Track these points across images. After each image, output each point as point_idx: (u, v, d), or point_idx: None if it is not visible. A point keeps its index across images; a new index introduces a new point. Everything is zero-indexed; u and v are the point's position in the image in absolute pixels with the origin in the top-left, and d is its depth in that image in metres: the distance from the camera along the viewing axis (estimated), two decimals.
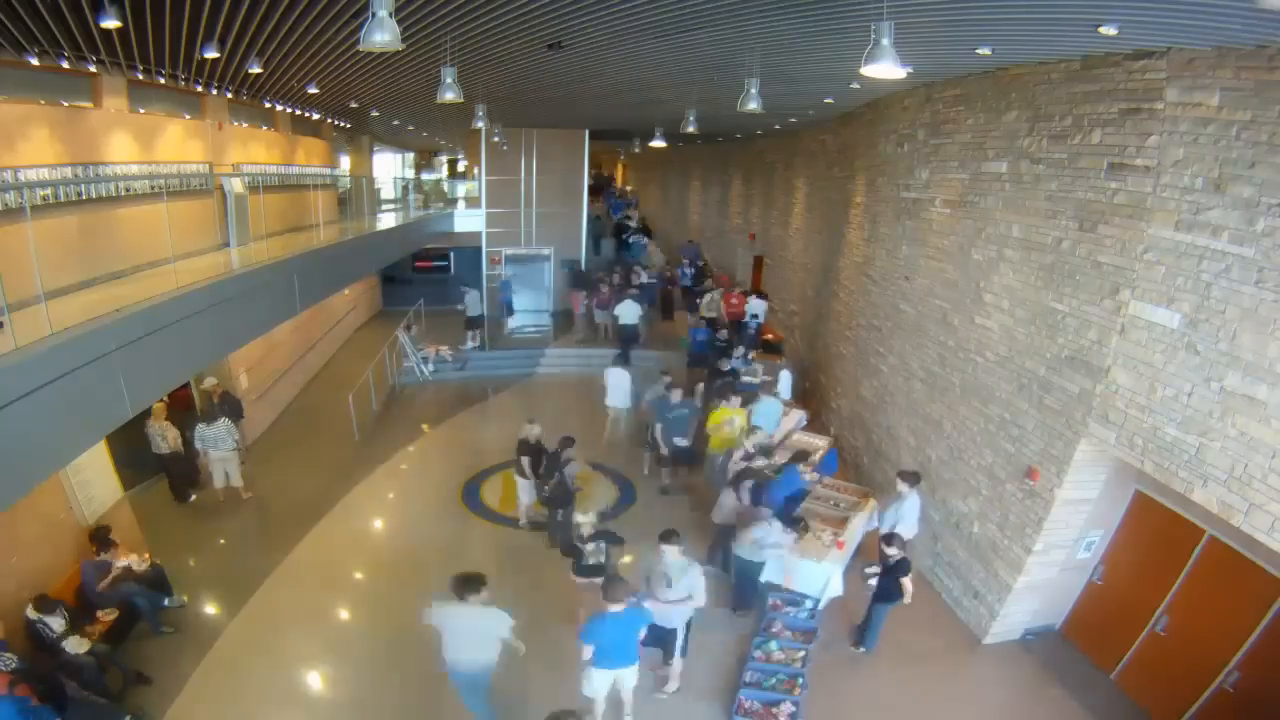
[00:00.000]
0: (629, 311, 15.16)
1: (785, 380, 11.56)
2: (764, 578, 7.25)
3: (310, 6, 5.71)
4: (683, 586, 5.95)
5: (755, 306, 15.96)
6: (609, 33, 6.32)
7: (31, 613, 5.87)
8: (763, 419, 9.77)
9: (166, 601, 7.18)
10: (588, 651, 5.33)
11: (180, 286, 6.30)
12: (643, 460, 10.59)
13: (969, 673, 6.72)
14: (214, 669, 6.49)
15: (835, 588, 7.29)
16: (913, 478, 7.58)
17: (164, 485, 9.60)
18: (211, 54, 7.03)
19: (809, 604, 7.22)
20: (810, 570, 7.27)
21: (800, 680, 6.25)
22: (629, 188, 38.65)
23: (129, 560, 7.03)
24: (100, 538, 6.89)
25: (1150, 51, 5.34)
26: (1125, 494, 6.44)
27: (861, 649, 6.92)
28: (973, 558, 7.38)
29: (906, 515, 7.51)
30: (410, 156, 30.66)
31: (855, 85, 8.86)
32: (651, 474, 10.39)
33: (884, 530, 7.67)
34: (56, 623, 5.97)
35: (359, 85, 10.29)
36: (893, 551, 6.57)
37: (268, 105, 12.13)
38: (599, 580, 6.09)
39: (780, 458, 8.77)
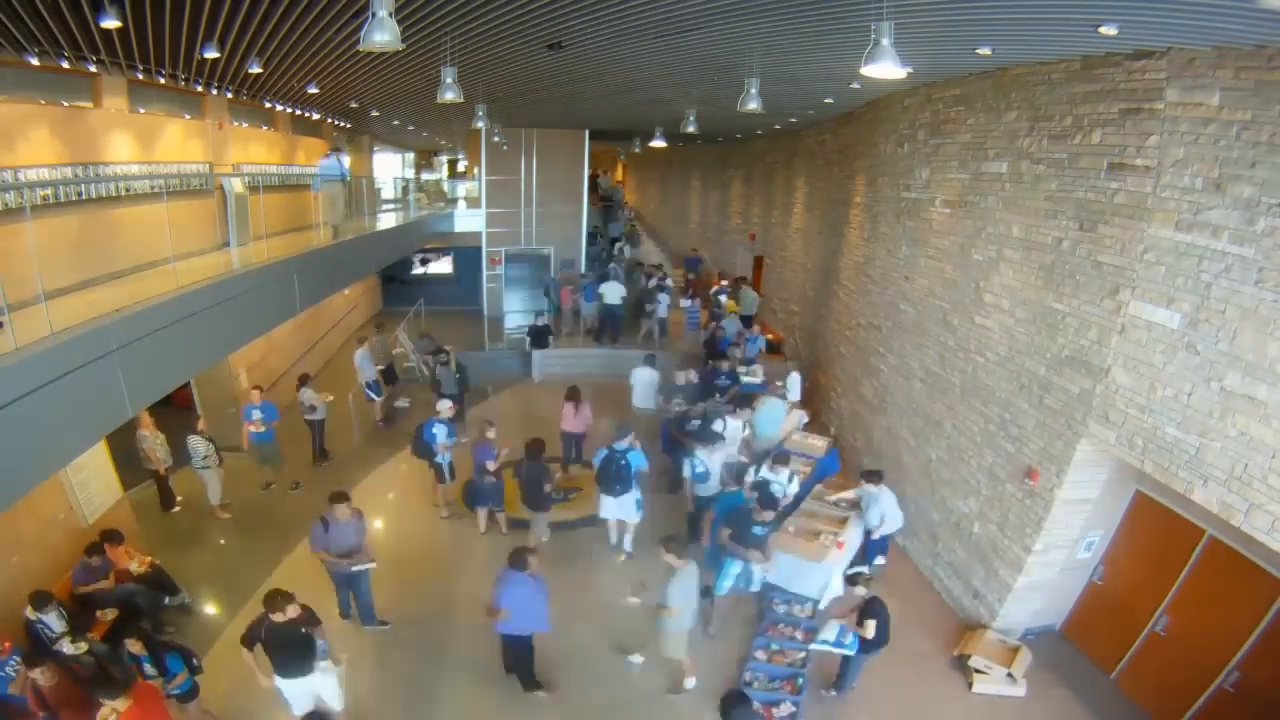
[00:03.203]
0: (613, 291, 15.48)
1: (794, 382, 11.52)
2: (764, 578, 7.29)
3: (310, 6, 5.71)
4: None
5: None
6: (609, 33, 6.32)
7: (30, 613, 5.86)
8: (765, 420, 9.76)
9: (168, 600, 7.19)
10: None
11: (180, 286, 6.30)
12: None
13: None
14: (214, 668, 6.49)
15: (835, 588, 7.30)
16: (875, 476, 7.70)
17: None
18: (211, 54, 7.03)
19: (809, 604, 7.22)
20: (810, 571, 7.28)
21: (800, 680, 6.25)
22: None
23: (122, 561, 7.01)
24: (93, 544, 6.75)
25: (1150, 51, 5.34)
26: (1125, 494, 6.44)
27: (833, 692, 6.30)
28: (973, 558, 7.38)
29: (887, 511, 7.60)
30: (410, 156, 30.64)
31: (855, 85, 8.86)
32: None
33: (870, 527, 7.71)
34: (55, 622, 5.96)
35: (359, 85, 10.28)
36: (860, 591, 5.99)
37: (268, 105, 12.13)
38: None
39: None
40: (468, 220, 17.63)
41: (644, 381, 11.41)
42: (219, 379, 10.67)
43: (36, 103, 7.22)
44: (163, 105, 9.38)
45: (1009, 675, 6.31)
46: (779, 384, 11.56)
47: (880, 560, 8.09)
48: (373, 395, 12.24)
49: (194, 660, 5.77)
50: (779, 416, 10.01)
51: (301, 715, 5.04)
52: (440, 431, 9.08)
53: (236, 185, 10.23)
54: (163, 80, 8.68)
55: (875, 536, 7.77)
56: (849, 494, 8.23)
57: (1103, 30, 4.93)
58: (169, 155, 9.22)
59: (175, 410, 10.83)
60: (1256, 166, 4.62)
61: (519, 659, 6.21)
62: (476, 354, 16.05)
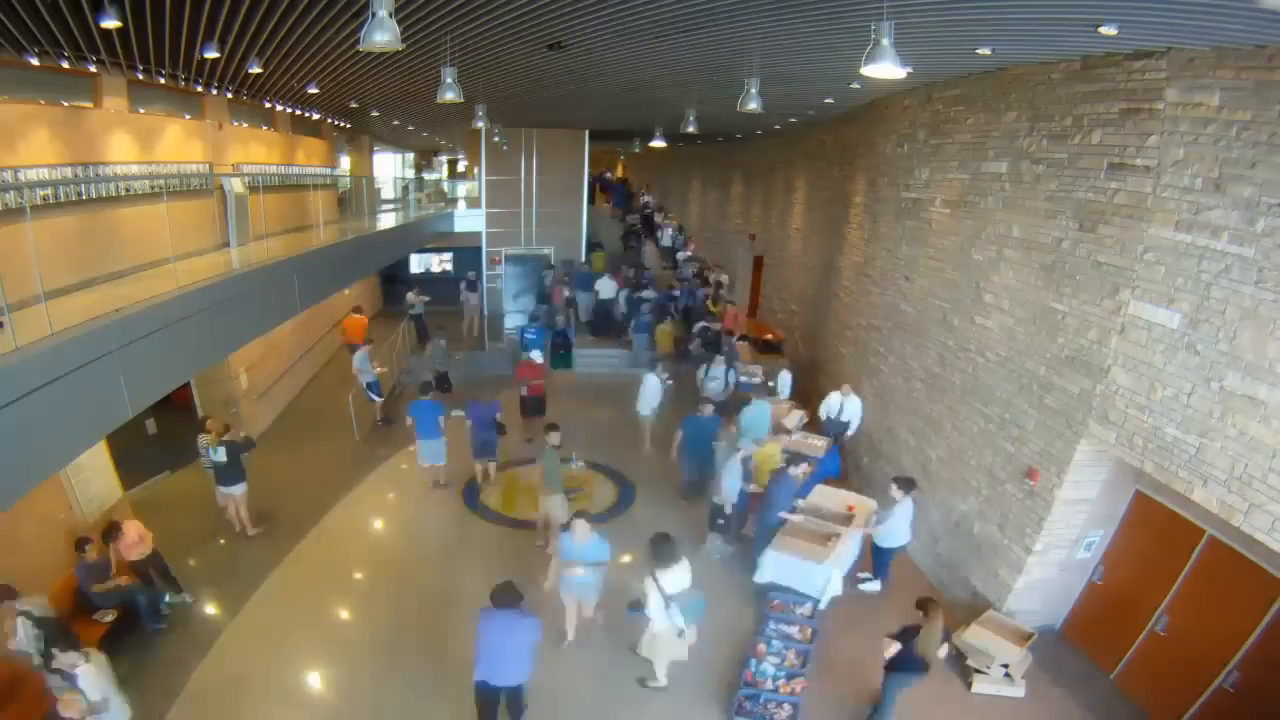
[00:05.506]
0: (607, 287, 16.41)
1: (784, 380, 11.51)
2: (764, 578, 7.28)
3: (310, 6, 5.70)
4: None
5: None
6: (609, 33, 6.32)
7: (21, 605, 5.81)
8: (751, 422, 9.70)
9: (169, 598, 7.18)
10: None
11: (180, 286, 6.30)
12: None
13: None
14: (214, 668, 6.49)
15: (835, 588, 7.30)
16: (908, 484, 7.52)
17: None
18: (211, 54, 7.03)
19: (809, 604, 7.22)
20: (811, 571, 7.27)
21: (800, 679, 6.25)
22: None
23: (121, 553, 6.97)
24: (81, 541, 6.67)
25: (1150, 51, 5.34)
26: (1125, 494, 6.44)
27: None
28: (973, 558, 7.38)
29: (896, 521, 7.48)
30: (410, 156, 30.63)
31: (855, 85, 8.86)
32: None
33: (871, 530, 7.66)
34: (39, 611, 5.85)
35: (359, 85, 10.28)
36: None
37: (268, 105, 12.13)
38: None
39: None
40: (468, 220, 17.62)
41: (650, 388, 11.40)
42: (219, 379, 10.67)
43: (36, 103, 7.21)
44: (163, 105, 9.37)
45: (1006, 674, 6.31)
46: (770, 384, 11.60)
47: (872, 586, 7.97)
48: (373, 396, 12.24)
49: None
50: (765, 419, 9.92)
51: None
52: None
53: (236, 185, 10.23)
54: (163, 80, 8.68)
55: (875, 542, 7.75)
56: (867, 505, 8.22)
57: (1103, 30, 4.93)
58: (169, 155, 9.22)
59: (175, 410, 10.86)
60: (1256, 166, 4.62)
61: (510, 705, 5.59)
62: (476, 354, 16.12)
